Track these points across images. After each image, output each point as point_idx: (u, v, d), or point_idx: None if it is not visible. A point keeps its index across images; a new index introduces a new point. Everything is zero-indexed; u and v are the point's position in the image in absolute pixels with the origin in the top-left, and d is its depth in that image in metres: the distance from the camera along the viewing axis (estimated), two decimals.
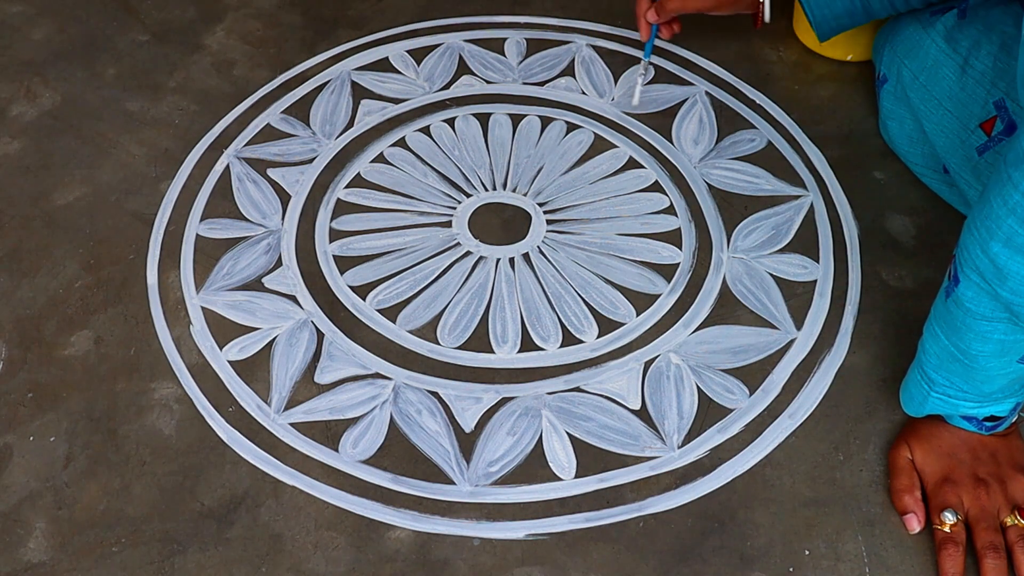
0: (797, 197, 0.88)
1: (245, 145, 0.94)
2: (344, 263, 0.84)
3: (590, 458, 0.70)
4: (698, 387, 0.74)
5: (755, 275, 0.82)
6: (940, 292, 0.65)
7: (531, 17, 1.08)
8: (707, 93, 0.98)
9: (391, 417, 0.73)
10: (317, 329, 0.79)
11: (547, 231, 0.86)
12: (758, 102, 0.97)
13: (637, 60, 1.02)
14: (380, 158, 0.93)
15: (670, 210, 0.87)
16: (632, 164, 0.91)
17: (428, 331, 0.78)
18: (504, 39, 1.05)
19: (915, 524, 0.65)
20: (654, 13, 0.94)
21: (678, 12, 0.94)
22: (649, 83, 1.00)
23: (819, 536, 0.66)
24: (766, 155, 0.92)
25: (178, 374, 0.76)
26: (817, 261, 0.83)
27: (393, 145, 0.94)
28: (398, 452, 0.71)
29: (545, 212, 0.87)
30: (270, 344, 0.77)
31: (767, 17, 0.91)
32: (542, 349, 0.77)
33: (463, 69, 1.02)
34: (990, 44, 0.77)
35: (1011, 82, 0.74)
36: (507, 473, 0.70)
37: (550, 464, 0.70)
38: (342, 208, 0.88)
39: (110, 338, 0.78)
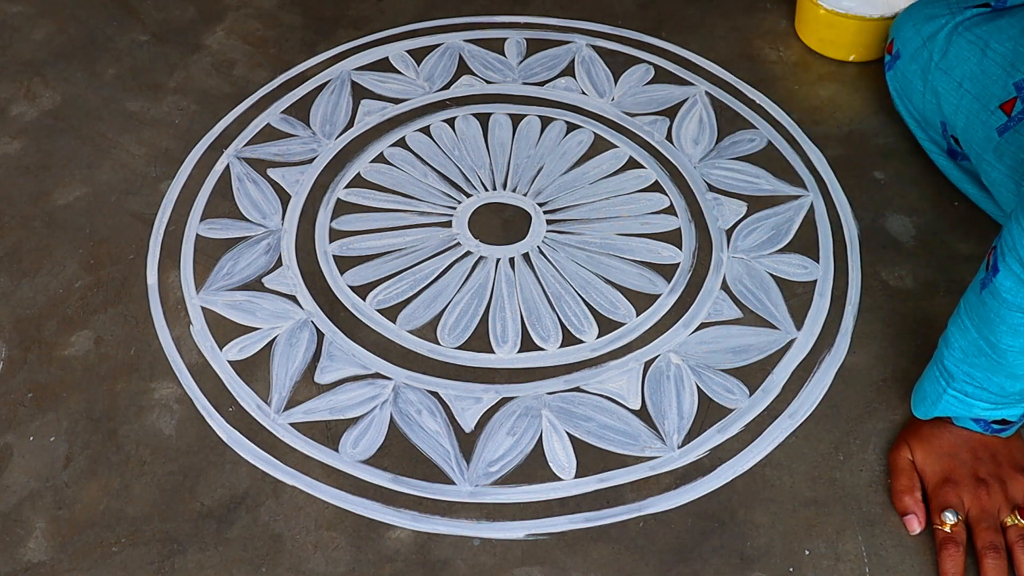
0: (797, 197, 0.88)
1: (245, 145, 0.94)
2: (344, 263, 0.84)
3: (590, 458, 0.70)
4: (698, 387, 0.74)
5: (755, 275, 0.82)
6: (974, 284, 0.64)
7: (531, 17, 1.08)
8: (707, 93, 0.98)
9: (391, 417, 0.73)
10: (317, 329, 0.79)
11: (547, 231, 0.86)
12: (758, 102, 0.97)
13: (637, 60, 1.03)
14: (380, 158, 0.93)
15: (670, 210, 0.87)
16: (632, 164, 0.91)
17: (428, 331, 0.78)
18: (504, 39, 1.05)
19: (915, 525, 0.65)
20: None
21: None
22: (649, 83, 1.00)
23: (819, 536, 0.66)
24: (766, 155, 0.92)
25: (178, 374, 0.76)
26: (817, 261, 0.83)
27: (393, 145, 0.94)
28: (398, 452, 0.71)
29: (545, 212, 0.87)
30: (270, 344, 0.77)
31: None
32: (542, 349, 0.77)
33: (463, 69, 1.02)
34: (1011, 28, 0.78)
35: None
36: (507, 473, 0.70)
37: (550, 464, 0.70)
38: (342, 208, 0.88)
39: (110, 338, 0.78)
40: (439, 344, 0.78)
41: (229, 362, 0.77)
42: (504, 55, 1.03)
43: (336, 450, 0.71)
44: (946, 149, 0.85)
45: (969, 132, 0.80)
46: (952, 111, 0.82)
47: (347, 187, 0.90)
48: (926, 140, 0.88)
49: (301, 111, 0.97)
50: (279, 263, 0.84)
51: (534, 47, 1.04)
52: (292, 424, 0.73)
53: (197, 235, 0.86)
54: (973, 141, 0.80)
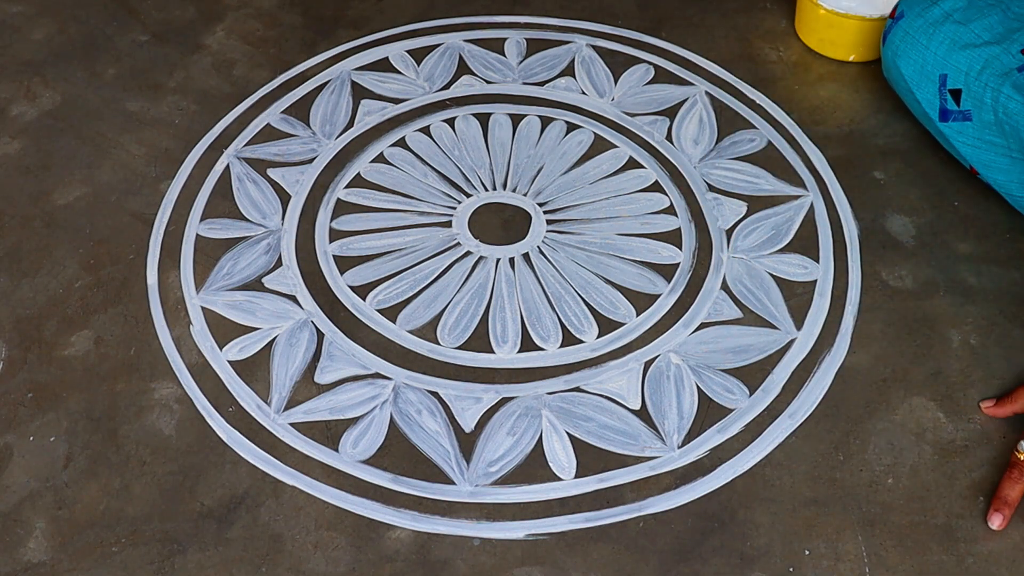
0: (797, 197, 0.88)
1: (245, 145, 0.94)
2: (344, 263, 0.84)
3: (590, 458, 0.70)
4: (698, 387, 0.74)
5: (755, 275, 0.82)
6: None
7: (531, 17, 1.08)
8: (707, 93, 0.98)
9: (391, 417, 0.73)
10: (317, 329, 0.79)
11: (547, 231, 0.86)
12: (758, 102, 0.97)
13: (637, 60, 1.03)
14: (380, 158, 0.93)
15: (670, 210, 0.87)
16: (632, 164, 0.91)
17: (428, 331, 0.78)
18: (504, 39, 1.05)
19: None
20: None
21: None
22: (649, 83, 1.00)
23: (819, 536, 0.66)
24: (766, 155, 0.92)
25: (178, 374, 0.76)
26: (817, 261, 0.83)
27: (393, 145, 0.94)
28: (398, 452, 0.71)
29: (545, 212, 0.87)
30: (270, 344, 0.77)
31: None
32: (542, 349, 0.77)
33: (463, 69, 1.02)
34: None
35: None
36: (507, 473, 0.70)
37: (550, 464, 0.70)
38: (342, 208, 0.88)
39: (110, 338, 0.78)
40: (439, 344, 0.78)
41: (229, 362, 0.77)
42: (504, 55, 1.03)
43: (336, 450, 0.71)
44: (938, 108, 0.86)
45: (986, 73, 0.82)
46: (967, 57, 0.83)
47: (347, 187, 0.90)
48: (915, 103, 0.88)
49: (301, 111, 0.97)
50: (279, 263, 0.84)
51: (534, 47, 1.04)
52: (292, 424, 0.73)
53: (197, 235, 0.86)
54: (989, 79, 0.81)
